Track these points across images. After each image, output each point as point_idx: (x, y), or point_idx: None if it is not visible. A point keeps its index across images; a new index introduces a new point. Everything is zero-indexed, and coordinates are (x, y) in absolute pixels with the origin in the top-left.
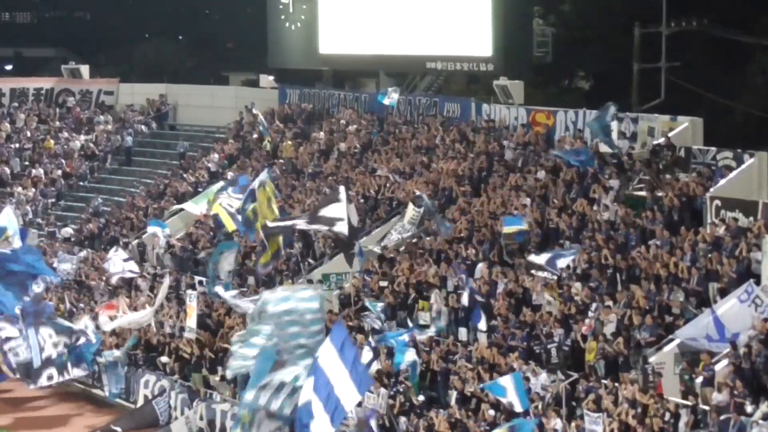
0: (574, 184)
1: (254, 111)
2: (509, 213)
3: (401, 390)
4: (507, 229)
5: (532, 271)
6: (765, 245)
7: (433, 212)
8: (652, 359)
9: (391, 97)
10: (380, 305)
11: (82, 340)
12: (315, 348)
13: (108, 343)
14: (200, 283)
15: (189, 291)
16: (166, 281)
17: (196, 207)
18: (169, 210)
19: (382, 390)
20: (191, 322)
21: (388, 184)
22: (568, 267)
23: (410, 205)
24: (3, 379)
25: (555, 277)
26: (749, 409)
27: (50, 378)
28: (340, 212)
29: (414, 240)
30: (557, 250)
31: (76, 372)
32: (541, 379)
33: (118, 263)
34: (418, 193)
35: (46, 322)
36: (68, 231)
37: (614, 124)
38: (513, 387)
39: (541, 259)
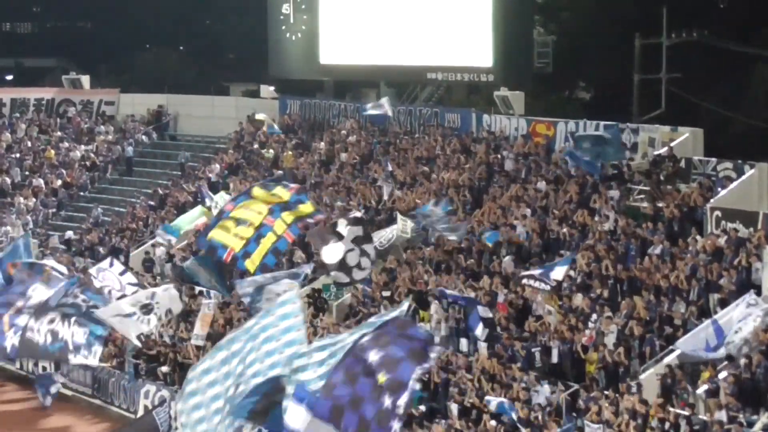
0: (575, 194)
1: (258, 116)
2: (509, 224)
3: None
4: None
5: (524, 281)
6: (766, 256)
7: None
8: (648, 371)
9: (379, 108)
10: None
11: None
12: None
13: (106, 353)
14: (200, 293)
15: (205, 300)
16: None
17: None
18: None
19: None
20: (202, 330)
21: (387, 195)
22: (569, 277)
23: (399, 217)
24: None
25: (548, 287)
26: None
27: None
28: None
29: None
30: (550, 262)
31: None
32: (544, 391)
33: (113, 279)
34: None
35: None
36: (54, 240)
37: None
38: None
39: (535, 271)
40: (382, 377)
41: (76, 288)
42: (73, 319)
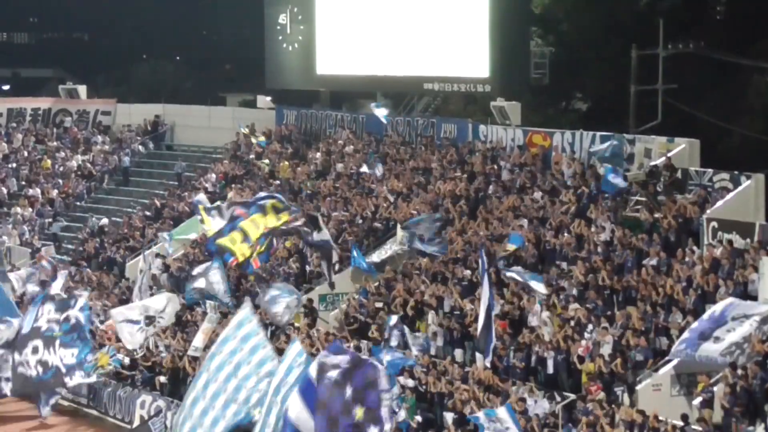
0: (571, 205)
1: (244, 130)
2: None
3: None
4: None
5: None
6: (762, 267)
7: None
8: (647, 381)
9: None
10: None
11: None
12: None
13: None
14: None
15: (211, 314)
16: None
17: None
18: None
19: None
20: (200, 341)
21: (385, 204)
22: (564, 288)
23: (398, 228)
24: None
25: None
26: None
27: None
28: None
29: (407, 258)
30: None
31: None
32: (541, 405)
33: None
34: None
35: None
36: (50, 250)
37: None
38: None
39: (514, 274)
40: (359, 412)
41: (42, 306)
42: (57, 343)
